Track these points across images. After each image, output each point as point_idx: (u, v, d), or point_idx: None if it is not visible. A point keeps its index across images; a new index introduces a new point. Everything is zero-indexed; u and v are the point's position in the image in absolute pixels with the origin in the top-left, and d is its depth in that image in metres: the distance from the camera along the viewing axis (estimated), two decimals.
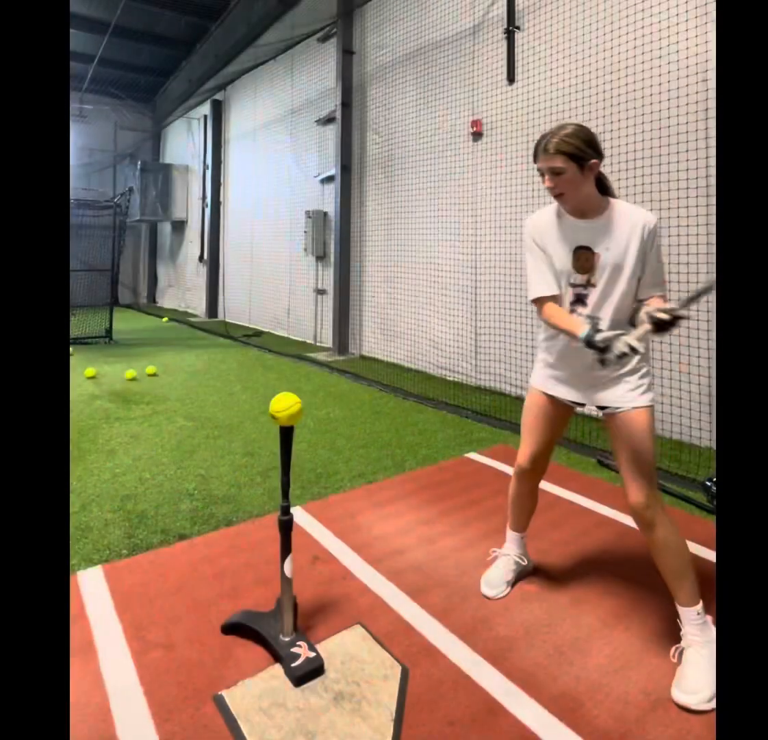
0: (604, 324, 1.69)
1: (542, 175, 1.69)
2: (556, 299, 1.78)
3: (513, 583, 2.08)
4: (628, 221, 1.66)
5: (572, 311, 1.76)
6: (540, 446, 1.93)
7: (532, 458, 1.94)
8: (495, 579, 2.06)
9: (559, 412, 1.91)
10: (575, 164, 1.62)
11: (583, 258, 1.70)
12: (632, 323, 1.70)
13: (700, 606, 1.65)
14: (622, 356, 1.46)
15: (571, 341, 1.72)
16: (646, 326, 1.47)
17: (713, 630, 1.65)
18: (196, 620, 1.88)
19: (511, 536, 2.13)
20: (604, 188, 1.73)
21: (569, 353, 1.78)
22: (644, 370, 1.73)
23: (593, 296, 1.71)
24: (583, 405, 1.85)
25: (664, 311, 1.46)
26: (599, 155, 1.65)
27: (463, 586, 2.09)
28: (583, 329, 1.59)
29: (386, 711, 1.50)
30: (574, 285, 1.73)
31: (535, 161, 1.71)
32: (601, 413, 1.82)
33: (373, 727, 1.45)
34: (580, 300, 1.74)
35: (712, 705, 1.51)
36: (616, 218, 1.68)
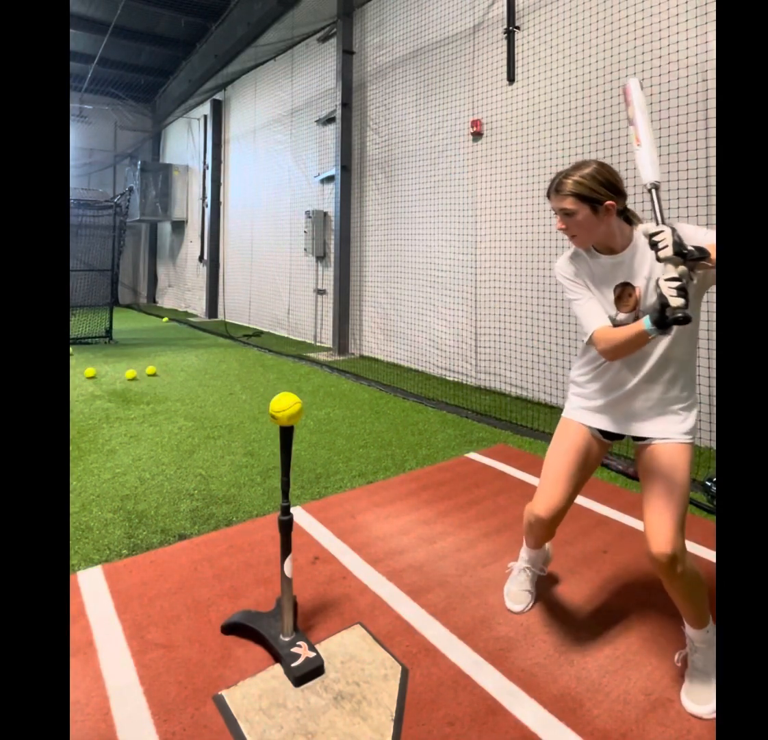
0: (659, 356, 1.55)
1: (557, 214, 1.59)
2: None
3: (535, 593, 2.01)
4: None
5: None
6: (566, 495, 1.69)
7: (554, 512, 1.70)
8: (518, 595, 1.99)
9: (595, 450, 1.73)
10: (588, 206, 1.51)
11: (626, 294, 1.58)
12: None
13: (709, 625, 1.58)
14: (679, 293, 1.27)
15: (640, 342, 1.47)
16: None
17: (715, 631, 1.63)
18: (196, 620, 1.88)
19: (529, 552, 2.01)
20: (628, 218, 1.61)
21: (610, 384, 1.65)
22: (692, 400, 1.61)
23: None
24: (621, 437, 1.69)
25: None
26: (618, 195, 1.53)
27: (463, 586, 2.09)
28: (644, 322, 1.39)
29: (386, 711, 1.50)
30: (619, 324, 1.56)
31: (548, 198, 1.61)
32: (636, 445, 1.68)
33: (373, 727, 1.45)
34: None
35: None
36: (642, 245, 1.55)
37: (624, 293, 1.58)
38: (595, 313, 1.59)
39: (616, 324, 1.56)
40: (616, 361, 1.59)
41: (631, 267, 1.57)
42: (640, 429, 1.63)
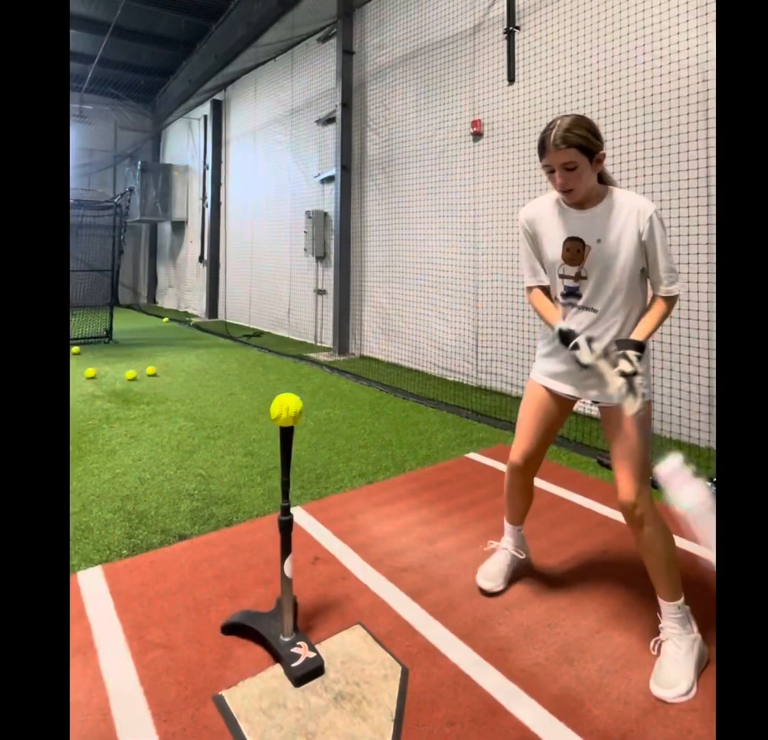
0: (599, 330, 1.68)
1: (551, 171, 1.60)
2: (544, 289, 1.81)
3: (510, 577, 2.07)
4: (623, 211, 1.60)
5: (567, 303, 1.73)
6: (535, 443, 1.89)
7: (525, 456, 1.91)
8: (492, 573, 2.05)
9: (558, 407, 1.87)
10: (586, 157, 1.55)
11: (574, 249, 1.65)
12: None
13: (681, 601, 1.67)
14: (586, 366, 1.60)
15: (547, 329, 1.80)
16: (615, 370, 1.55)
17: (692, 624, 1.69)
18: (196, 620, 1.88)
19: (508, 528, 2.12)
20: (601, 176, 1.67)
21: (567, 358, 1.76)
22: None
23: (586, 288, 1.67)
24: (579, 398, 1.85)
25: (628, 366, 1.52)
26: (603, 144, 1.61)
27: (464, 586, 2.09)
28: (558, 321, 1.71)
29: (386, 711, 1.50)
30: (563, 277, 1.70)
31: (541, 158, 1.61)
32: (596, 407, 1.81)
33: (373, 727, 1.45)
34: (572, 293, 1.70)
35: (688, 697, 1.53)
36: (613, 207, 1.61)
37: (572, 247, 1.66)
38: (533, 269, 1.80)
39: (560, 275, 1.72)
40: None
41: (589, 225, 1.64)
42: (593, 393, 1.76)
